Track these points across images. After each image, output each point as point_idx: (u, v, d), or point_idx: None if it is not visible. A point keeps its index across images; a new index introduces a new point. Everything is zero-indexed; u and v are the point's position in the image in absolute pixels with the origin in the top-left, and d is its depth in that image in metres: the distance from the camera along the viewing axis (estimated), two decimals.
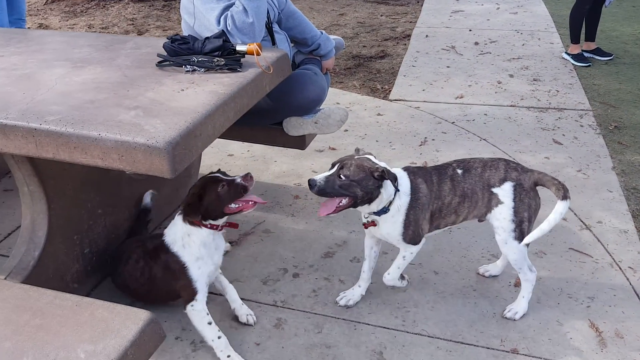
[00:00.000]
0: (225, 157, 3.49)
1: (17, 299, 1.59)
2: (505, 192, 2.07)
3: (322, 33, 2.83)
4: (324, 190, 1.94)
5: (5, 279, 1.99)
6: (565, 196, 1.99)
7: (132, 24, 6.43)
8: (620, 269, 2.48)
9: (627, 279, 2.42)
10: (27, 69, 2.16)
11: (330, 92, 3.71)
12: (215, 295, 2.29)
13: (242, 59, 2.14)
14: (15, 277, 2.00)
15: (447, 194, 2.08)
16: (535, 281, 2.18)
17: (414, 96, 4.39)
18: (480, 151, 3.51)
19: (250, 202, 2.04)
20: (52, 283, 2.10)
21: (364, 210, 2.07)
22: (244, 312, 2.20)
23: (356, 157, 2.01)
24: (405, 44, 5.64)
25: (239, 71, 2.10)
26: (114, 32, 6.17)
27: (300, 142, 2.77)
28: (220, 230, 2.10)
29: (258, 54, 2.15)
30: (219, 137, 1.98)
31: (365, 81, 4.74)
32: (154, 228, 2.71)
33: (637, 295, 2.33)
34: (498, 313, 2.24)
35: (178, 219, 2.10)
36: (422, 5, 7.07)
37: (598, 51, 5.09)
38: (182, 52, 2.14)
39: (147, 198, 2.56)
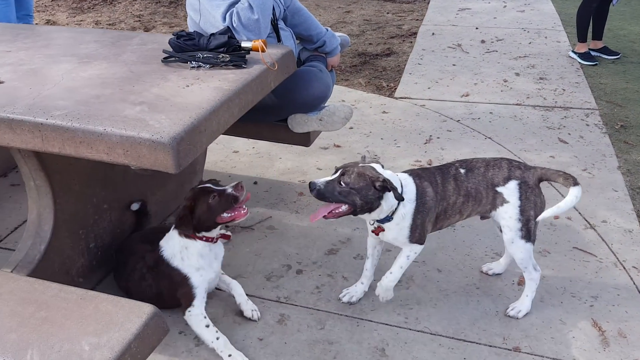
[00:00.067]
0: (230, 153, 3.50)
1: (23, 291, 1.61)
2: (510, 190, 2.06)
3: (327, 30, 2.83)
4: (323, 194, 1.92)
5: (11, 272, 2.01)
6: (576, 182, 1.99)
7: (139, 21, 6.45)
8: (624, 268, 2.47)
9: (631, 279, 2.41)
10: (34, 64, 2.17)
11: (336, 90, 3.71)
12: (219, 290, 2.31)
13: (247, 56, 2.15)
14: (21, 271, 2.02)
15: (451, 194, 2.07)
16: (539, 280, 2.18)
17: (420, 94, 4.38)
18: (486, 150, 3.51)
19: (242, 211, 2.05)
20: (58, 277, 2.12)
21: (366, 219, 2.06)
22: (249, 307, 2.21)
23: (360, 164, 1.97)
24: (411, 42, 5.62)
25: (244, 67, 2.11)
26: (121, 28, 6.20)
27: (305, 139, 2.78)
28: (214, 242, 2.12)
29: (263, 51, 2.15)
30: (224, 134, 1.99)
31: (371, 79, 4.73)
32: (160, 223, 2.72)
33: None
34: (501, 311, 2.24)
35: (174, 233, 2.11)
36: (428, 3, 7.04)
37: (605, 50, 5.06)
38: (187, 48, 2.15)
39: (135, 207, 2.50)
